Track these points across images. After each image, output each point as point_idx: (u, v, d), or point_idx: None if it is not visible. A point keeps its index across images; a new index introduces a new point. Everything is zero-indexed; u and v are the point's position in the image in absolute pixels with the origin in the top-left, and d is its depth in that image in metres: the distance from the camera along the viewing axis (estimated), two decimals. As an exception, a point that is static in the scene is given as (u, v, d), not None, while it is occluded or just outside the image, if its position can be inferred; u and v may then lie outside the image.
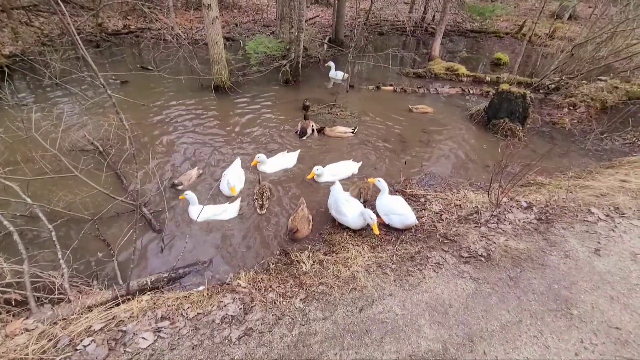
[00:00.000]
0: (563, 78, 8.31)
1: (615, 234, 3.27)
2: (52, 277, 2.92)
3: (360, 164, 5.21)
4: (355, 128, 6.23)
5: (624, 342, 2.30)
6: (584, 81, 8.23)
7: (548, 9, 16.16)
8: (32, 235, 3.71)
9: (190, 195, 4.01)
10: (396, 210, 3.68)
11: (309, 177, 4.76)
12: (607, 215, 3.54)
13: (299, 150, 5.42)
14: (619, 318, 2.46)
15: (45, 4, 11.12)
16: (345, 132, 6.18)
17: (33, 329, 2.32)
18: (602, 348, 2.25)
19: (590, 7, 15.82)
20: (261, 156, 4.90)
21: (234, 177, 4.52)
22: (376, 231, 3.37)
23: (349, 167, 5.11)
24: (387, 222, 3.76)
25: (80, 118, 6.14)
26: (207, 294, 2.73)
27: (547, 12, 16.26)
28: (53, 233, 3.08)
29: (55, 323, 2.43)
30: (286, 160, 5.21)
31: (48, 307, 2.71)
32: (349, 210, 3.72)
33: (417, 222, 3.69)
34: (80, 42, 1.84)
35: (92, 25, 10.93)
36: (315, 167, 4.72)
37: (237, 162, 4.95)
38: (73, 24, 1.90)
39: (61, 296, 2.80)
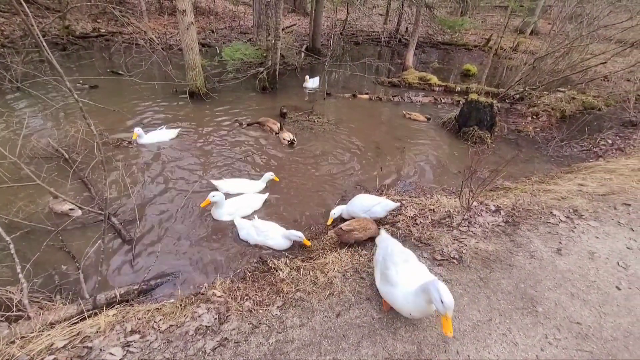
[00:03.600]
0: (526, 89, 8.84)
1: (575, 235, 3.48)
2: (10, 292, 2.73)
3: (267, 195, 4.55)
4: (293, 139, 6.03)
5: (584, 336, 2.44)
6: (545, 92, 8.81)
7: (512, 24, 17.21)
8: (-12, 249, 3.45)
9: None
10: (372, 202, 3.93)
11: (202, 204, 4.02)
12: (567, 217, 3.77)
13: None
14: (579, 313, 2.61)
15: (6, 3, 10.55)
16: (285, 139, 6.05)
17: (-13, 350, 2.16)
18: (565, 342, 2.38)
19: (549, 23, 16.99)
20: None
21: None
22: (448, 331, 1.98)
23: (252, 202, 4.38)
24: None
25: (44, 124, 5.83)
26: (181, 305, 2.64)
27: (511, 27, 17.30)
28: (11, 245, 2.88)
29: (13, 342, 2.27)
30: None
31: (4, 326, 2.52)
32: (403, 276, 2.29)
33: (398, 205, 3.99)
34: (44, 44, 1.77)
35: (59, 28, 10.48)
36: (211, 194, 3.96)
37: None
38: (37, 26, 1.82)
39: (20, 313, 2.61)
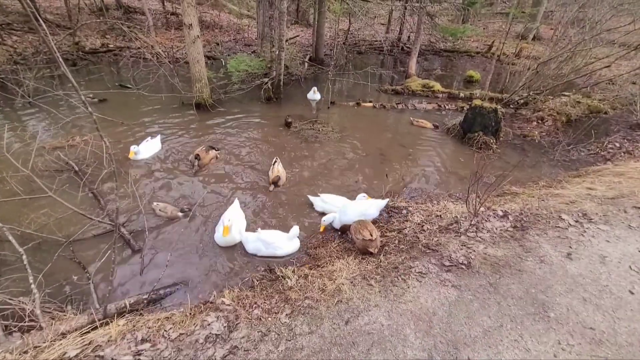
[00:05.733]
0: (530, 94, 8.83)
1: (585, 239, 3.44)
2: (23, 303, 2.77)
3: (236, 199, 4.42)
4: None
5: (598, 341, 2.39)
6: (549, 96, 8.78)
7: (514, 30, 17.28)
8: (1, 260, 3.52)
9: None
10: (366, 205, 4.10)
11: (224, 234, 3.74)
12: (577, 221, 3.73)
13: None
14: (592, 319, 2.57)
15: (20, 22, 10.91)
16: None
17: None
18: (579, 348, 2.34)
19: (551, 29, 17.04)
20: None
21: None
22: None
23: (237, 212, 4.19)
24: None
25: (55, 138, 5.96)
26: (190, 314, 2.65)
27: (513, 33, 17.37)
28: (24, 257, 2.94)
29: (26, 352, 2.30)
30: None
31: (17, 336, 2.56)
32: None
33: (387, 200, 4.27)
34: (62, 60, 1.84)
35: (69, 44, 10.78)
36: (226, 218, 3.82)
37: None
38: (49, 43, 1.90)
39: (32, 323, 2.65)
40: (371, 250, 3.46)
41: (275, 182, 5.01)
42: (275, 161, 5.32)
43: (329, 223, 4.16)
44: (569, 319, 2.56)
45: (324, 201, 4.57)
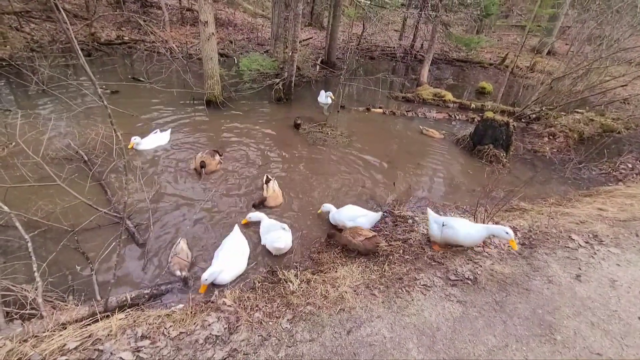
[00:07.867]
0: (543, 109, 8.74)
1: (595, 261, 3.37)
2: (25, 290, 2.77)
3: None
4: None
5: (605, 368, 2.33)
6: (562, 112, 8.69)
7: (529, 43, 17.18)
8: (6, 246, 3.53)
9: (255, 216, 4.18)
10: (359, 213, 4.11)
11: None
12: (587, 242, 3.66)
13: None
14: (599, 344, 2.50)
15: (39, 10, 11.05)
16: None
17: (1, 347, 2.18)
18: (585, 374, 2.28)
19: (567, 44, 16.90)
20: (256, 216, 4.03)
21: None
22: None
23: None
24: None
25: (67, 126, 6.01)
26: (191, 312, 2.63)
27: (528, 47, 17.27)
28: (29, 244, 2.94)
29: (26, 340, 2.29)
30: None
31: (18, 323, 2.55)
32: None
33: (380, 214, 4.14)
34: (79, 50, 1.84)
35: (85, 34, 10.90)
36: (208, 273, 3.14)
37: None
38: (66, 32, 1.90)
39: (33, 312, 2.64)
40: (382, 244, 3.59)
41: (262, 202, 4.53)
42: (269, 180, 4.86)
43: (326, 211, 4.40)
44: (575, 343, 2.50)
45: (437, 221, 3.68)
